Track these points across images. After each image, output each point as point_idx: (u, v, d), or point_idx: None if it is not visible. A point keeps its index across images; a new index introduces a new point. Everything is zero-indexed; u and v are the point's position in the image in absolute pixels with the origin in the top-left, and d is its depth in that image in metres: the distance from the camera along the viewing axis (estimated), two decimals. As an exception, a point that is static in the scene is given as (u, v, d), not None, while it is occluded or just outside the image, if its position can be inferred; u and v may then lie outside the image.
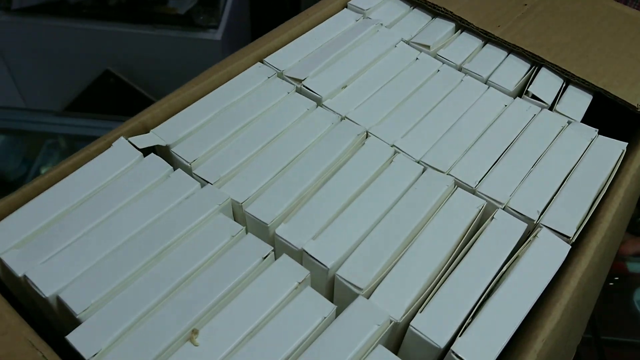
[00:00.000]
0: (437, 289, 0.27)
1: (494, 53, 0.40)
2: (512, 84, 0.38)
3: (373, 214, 0.30)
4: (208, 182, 0.31)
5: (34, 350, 0.23)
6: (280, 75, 0.38)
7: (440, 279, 0.28)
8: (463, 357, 0.25)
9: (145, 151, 0.32)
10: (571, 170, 0.33)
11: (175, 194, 0.30)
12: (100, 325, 0.24)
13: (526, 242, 0.29)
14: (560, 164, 0.33)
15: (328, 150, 0.33)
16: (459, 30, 0.42)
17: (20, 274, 0.26)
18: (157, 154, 0.32)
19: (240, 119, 0.34)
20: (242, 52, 0.38)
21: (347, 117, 0.35)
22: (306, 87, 0.37)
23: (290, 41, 0.40)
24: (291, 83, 0.37)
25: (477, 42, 0.41)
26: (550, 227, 0.30)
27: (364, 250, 0.28)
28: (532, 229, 0.30)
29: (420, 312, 0.26)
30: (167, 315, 0.25)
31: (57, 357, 0.23)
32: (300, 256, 0.28)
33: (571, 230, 0.30)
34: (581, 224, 0.30)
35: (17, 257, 0.27)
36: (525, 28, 0.41)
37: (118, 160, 0.31)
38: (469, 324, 0.26)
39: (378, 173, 0.32)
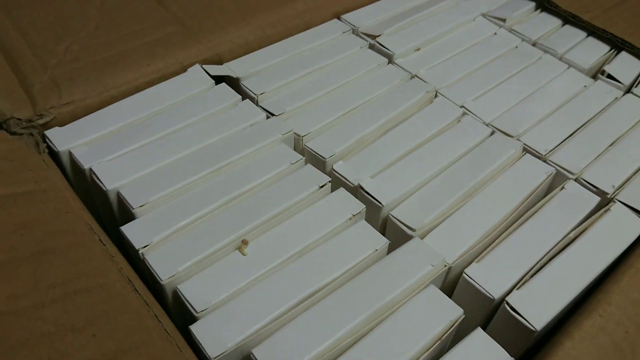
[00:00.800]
0: (497, 244, 0.26)
1: (573, 32, 0.39)
2: (589, 63, 0.36)
3: (434, 164, 0.29)
4: (273, 114, 0.31)
5: (91, 233, 0.23)
6: (356, 32, 0.38)
7: (500, 235, 0.26)
8: (518, 310, 0.23)
9: (218, 80, 0.32)
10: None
11: (241, 120, 0.30)
12: (154, 221, 0.25)
13: (597, 214, 0.27)
14: (640, 145, 0.31)
15: (394, 102, 0.32)
16: (539, 10, 0.41)
17: (86, 167, 0.27)
18: (227, 85, 0.32)
19: (311, 64, 0.34)
20: (321, 5, 0.39)
21: (417, 76, 0.35)
22: (380, 44, 0.36)
23: (369, 3, 0.40)
24: (365, 39, 0.37)
25: (556, 22, 0.40)
26: (626, 203, 0.28)
27: (421, 196, 0.28)
28: (605, 203, 0.29)
29: (477, 262, 0.25)
30: (219, 223, 0.25)
31: (111, 242, 0.23)
32: (356, 193, 0.28)
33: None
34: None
35: (85, 152, 0.27)
36: (615, 17, 0.39)
37: (191, 84, 0.32)
38: (527, 280, 0.25)
39: (444, 130, 0.31)
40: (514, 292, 0.24)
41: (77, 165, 0.27)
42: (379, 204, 0.27)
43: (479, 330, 0.22)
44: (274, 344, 0.21)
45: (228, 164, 0.28)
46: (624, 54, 0.38)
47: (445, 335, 0.22)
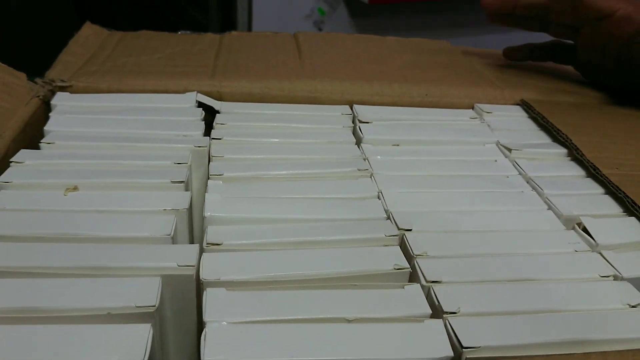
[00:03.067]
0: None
1: (589, 184, 0.33)
2: (573, 212, 0.30)
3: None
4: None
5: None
6: (354, 120, 0.39)
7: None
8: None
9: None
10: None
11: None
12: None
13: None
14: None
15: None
16: (569, 157, 0.36)
17: (45, 128, 0.35)
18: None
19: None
20: (334, 92, 0.41)
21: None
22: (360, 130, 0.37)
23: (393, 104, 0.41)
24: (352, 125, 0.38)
25: (580, 171, 0.35)
26: None
27: None
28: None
29: None
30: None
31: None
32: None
33: None
34: None
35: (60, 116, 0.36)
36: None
37: (179, 100, 0.38)
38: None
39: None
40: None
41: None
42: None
43: None
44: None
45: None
46: (632, 220, 0.30)
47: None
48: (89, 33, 0.46)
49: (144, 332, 0.20)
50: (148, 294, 0.22)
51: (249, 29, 1.11)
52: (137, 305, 0.22)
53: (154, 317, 0.22)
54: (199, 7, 1.20)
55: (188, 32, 0.51)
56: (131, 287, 0.23)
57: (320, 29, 1.21)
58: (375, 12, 1.21)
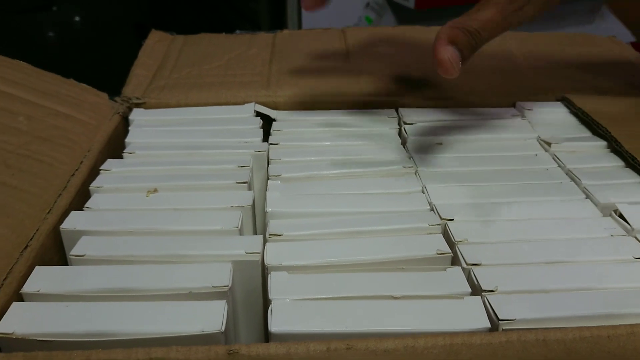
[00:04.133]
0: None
1: (627, 174, 0.35)
2: (609, 199, 0.32)
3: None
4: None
5: (37, 199, 0.35)
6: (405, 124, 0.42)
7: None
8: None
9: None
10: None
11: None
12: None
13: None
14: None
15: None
16: (608, 148, 0.38)
17: (126, 140, 0.39)
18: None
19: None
20: (379, 95, 0.45)
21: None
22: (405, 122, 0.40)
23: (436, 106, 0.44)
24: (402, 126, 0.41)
25: (619, 161, 0.36)
26: None
27: None
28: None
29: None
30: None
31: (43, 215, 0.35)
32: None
33: None
34: None
35: (139, 129, 0.40)
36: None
37: (240, 111, 0.42)
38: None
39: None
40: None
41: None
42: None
43: None
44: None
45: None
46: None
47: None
48: (155, 40, 0.51)
49: (220, 307, 0.24)
50: (222, 276, 0.26)
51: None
52: (214, 285, 0.25)
53: (228, 295, 0.25)
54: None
55: (244, 32, 0.55)
56: (207, 271, 0.26)
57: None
58: (421, 17, 1.23)
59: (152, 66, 0.48)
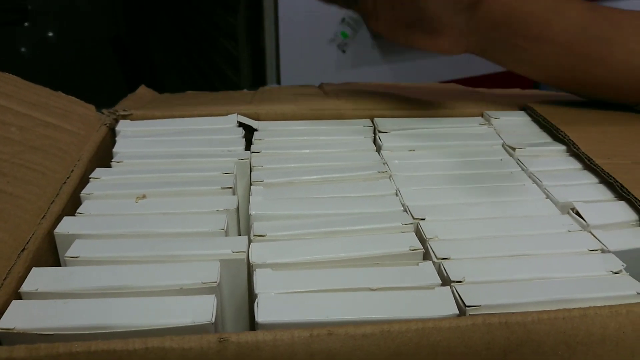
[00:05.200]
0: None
1: (584, 176, 0.38)
2: (567, 199, 0.35)
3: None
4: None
5: (28, 204, 0.36)
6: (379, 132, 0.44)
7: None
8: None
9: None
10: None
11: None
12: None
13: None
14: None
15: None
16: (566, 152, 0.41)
17: (114, 149, 0.41)
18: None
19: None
20: (357, 108, 0.47)
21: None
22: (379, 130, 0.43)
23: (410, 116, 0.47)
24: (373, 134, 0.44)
25: (577, 164, 0.39)
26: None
27: None
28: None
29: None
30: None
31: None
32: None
33: None
34: None
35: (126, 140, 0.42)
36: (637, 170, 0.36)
37: (221, 122, 0.44)
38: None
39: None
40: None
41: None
42: None
43: None
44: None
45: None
46: (622, 203, 0.34)
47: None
48: (143, 92, 0.53)
49: (210, 301, 0.26)
50: (211, 273, 0.28)
51: (277, 51, 1.18)
52: (203, 281, 0.27)
53: (216, 291, 0.27)
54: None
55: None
56: (197, 269, 0.28)
57: (344, 51, 1.27)
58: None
59: (138, 102, 0.49)
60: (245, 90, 0.56)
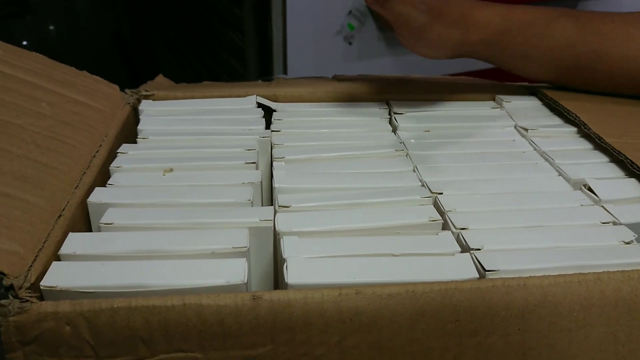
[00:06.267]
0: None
1: (595, 155, 0.39)
2: (580, 176, 0.36)
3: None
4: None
5: (59, 181, 0.38)
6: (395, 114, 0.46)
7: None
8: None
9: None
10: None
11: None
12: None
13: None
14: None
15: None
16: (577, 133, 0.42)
17: (139, 127, 0.42)
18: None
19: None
20: (372, 92, 0.48)
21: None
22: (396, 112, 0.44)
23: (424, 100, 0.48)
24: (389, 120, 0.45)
25: (587, 145, 0.40)
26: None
27: None
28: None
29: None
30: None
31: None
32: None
33: None
34: None
35: (149, 118, 0.43)
36: (646, 148, 0.37)
37: (242, 103, 0.45)
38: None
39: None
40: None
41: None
42: None
43: None
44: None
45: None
46: (632, 180, 0.36)
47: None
48: (161, 80, 0.54)
49: (242, 264, 0.27)
50: (241, 239, 0.29)
51: (284, 43, 1.19)
52: (234, 246, 0.29)
53: (247, 255, 0.29)
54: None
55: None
56: (227, 235, 0.29)
57: (350, 43, 1.28)
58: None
59: (158, 86, 0.50)
60: (260, 81, 0.57)
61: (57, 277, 0.26)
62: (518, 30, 0.43)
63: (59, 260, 0.28)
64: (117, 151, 0.38)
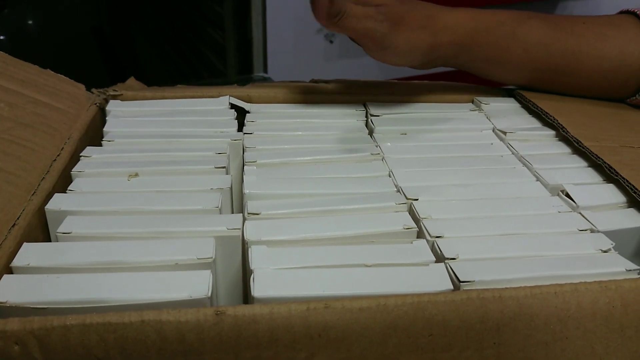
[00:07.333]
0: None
1: (574, 160, 0.38)
2: (557, 181, 0.35)
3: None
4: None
5: (20, 180, 0.36)
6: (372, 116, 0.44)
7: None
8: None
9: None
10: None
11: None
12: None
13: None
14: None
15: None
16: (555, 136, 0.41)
17: (104, 129, 0.41)
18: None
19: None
20: (350, 93, 0.47)
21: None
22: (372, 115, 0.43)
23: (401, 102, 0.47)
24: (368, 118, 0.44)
25: (565, 149, 0.40)
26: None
27: None
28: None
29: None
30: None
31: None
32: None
33: None
34: None
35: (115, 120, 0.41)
36: (624, 152, 0.37)
37: (213, 103, 0.44)
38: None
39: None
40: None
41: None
42: None
43: None
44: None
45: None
46: (610, 186, 0.35)
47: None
48: (132, 83, 0.52)
49: (206, 276, 0.26)
50: (206, 249, 0.28)
51: (264, 40, 1.17)
52: (198, 257, 0.27)
53: (212, 266, 0.27)
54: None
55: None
56: (192, 245, 0.28)
57: (331, 42, 1.27)
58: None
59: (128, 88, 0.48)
60: (236, 85, 0.55)
61: (7, 291, 0.25)
62: (488, 31, 0.43)
63: (12, 272, 0.26)
64: (81, 155, 0.36)
